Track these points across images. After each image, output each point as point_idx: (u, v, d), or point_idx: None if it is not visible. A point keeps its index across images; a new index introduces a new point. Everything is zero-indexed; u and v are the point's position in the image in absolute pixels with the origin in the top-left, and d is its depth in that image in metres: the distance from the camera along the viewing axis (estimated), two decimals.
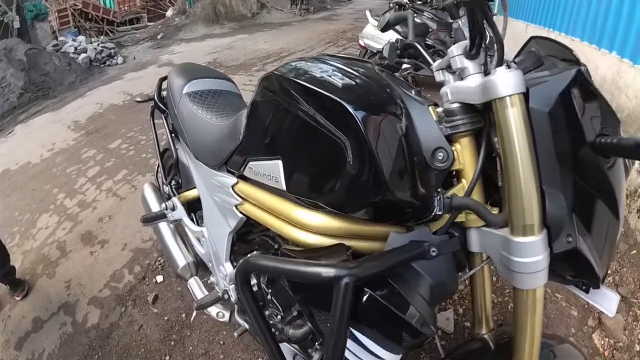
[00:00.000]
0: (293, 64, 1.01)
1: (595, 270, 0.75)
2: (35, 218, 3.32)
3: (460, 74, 0.79)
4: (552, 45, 0.86)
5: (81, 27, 11.89)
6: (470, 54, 0.75)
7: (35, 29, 10.29)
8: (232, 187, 1.29)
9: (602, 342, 1.85)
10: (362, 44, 5.40)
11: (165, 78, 1.87)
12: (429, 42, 4.79)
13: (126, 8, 14.34)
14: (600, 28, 3.23)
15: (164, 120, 1.89)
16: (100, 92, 6.71)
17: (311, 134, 0.88)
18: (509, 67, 0.67)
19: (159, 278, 2.49)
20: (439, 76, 0.84)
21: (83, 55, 8.46)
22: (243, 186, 1.25)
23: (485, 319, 1.00)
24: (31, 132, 5.39)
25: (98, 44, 9.10)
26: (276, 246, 1.33)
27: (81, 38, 9.44)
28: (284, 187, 1.01)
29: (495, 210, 0.80)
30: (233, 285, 1.52)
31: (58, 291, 2.52)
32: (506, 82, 0.66)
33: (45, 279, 2.64)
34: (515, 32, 5.93)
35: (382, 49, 1.11)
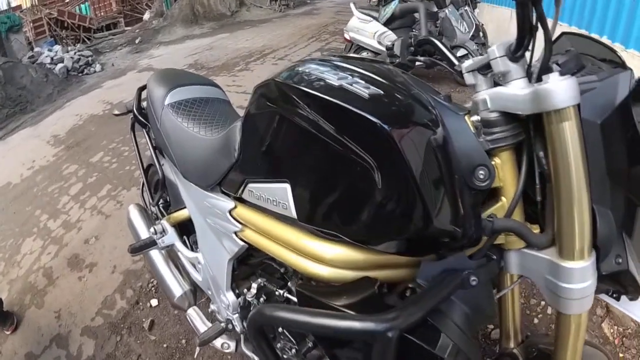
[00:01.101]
0: (299, 68, 0.86)
1: (639, 285, 0.71)
2: (19, 243, 3.15)
3: (500, 79, 0.68)
4: (586, 42, 0.79)
5: (57, 36, 11.73)
6: (515, 56, 0.64)
7: (10, 41, 10.10)
8: (230, 211, 1.15)
9: (612, 330, 1.84)
10: (347, 38, 5.29)
11: (144, 87, 1.69)
12: (415, 32, 4.71)
13: (102, 14, 14.24)
14: (589, 12, 3.15)
15: (146, 135, 1.71)
16: (79, 103, 6.53)
17: (328, 154, 0.75)
18: (561, 73, 0.59)
19: (154, 302, 2.34)
20: (470, 79, 0.73)
21: (60, 65, 8.31)
22: (242, 211, 1.11)
23: (514, 333, 0.96)
24: (10, 149, 5.21)
25: (75, 53, 8.94)
26: (282, 270, 1.22)
27: (57, 47, 9.29)
28: (294, 215, 0.88)
29: (535, 228, 0.72)
30: (237, 315, 1.38)
31: (49, 322, 2.37)
32: (562, 92, 0.58)
33: (34, 309, 2.49)
34: (499, 20, 5.85)
35: (393, 45, 1.00)
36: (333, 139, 0.73)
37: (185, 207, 1.54)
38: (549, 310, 1.95)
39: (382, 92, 0.72)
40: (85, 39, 12.20)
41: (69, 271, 2.74)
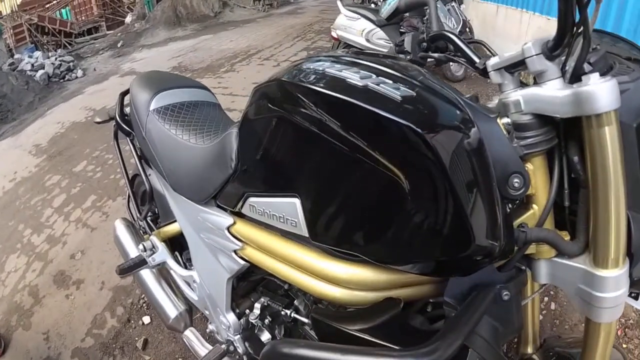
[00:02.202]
0: (308, 65, 0.76)
1: None
2: (3, 261, 3.00)
3: (534, 78, 0.65)
4: (610, 39, 0.75)
5: (38, 42, 11.56)
6: (553, 54, 0.60)
7: None
8: (228, 228, 1.05)
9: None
10: (335, 36, 5.22)
11: (127, 92, 1.56)
12: (403, 29, 4.64)
13: (83, 18, 14.09)
14: None
15: (130, 144, 1.59)
16: (60, 110, 6.34)
17: (349, 166, 0.68)
18: (602, 74, 0.56)
19: (146, 319, 2.22)
20: (497, 78, 0.68)
21: (41, 71, 8.09)
22: (242, 227, 1.01)
23: (533, 339, 0.94)
24: None
25: (56, 58, 8.74)
26: (286, 287, 1.15)
27: (38, 54, 9.08)
28: (305, 234, 0.80)
29: (564, 236, 0.70)
30: (239, 336, 1.28)
31: (37, 345, 2.24)
32: (604, 94, 0.55)
33: (22, 331, 2.36)
34: (485, 15, 5.81)
35: (403, 41, 0.92)
36: (355, 147, 0.64)
37: (175, 221, 1.43)
38: (552, 306, 1.94)
39: (414, 94, 0.63)
40: (67, 44, 11.99)
41: (56, 289, 2.60)
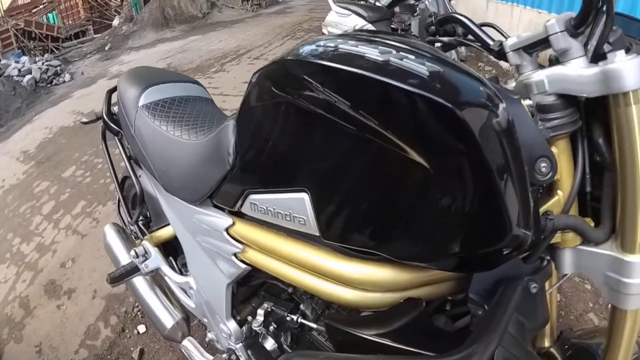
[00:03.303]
0: (317, 43, 0.68)
1: None
2: None
3: (557, 58, 0.62)
4: (624, 20, 0.73)
5: (25, 47, 11.43)
6: (577, 32, 0.58)
7: None
8: (226, 230, 0.97)
9: None
10: (326, 33, 5.12)
11: (114, 90, 1.48)
12: (394, 25, 4.58)
13: (70, 22, 14.02)
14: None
15: (118, 143, 1.50)
16: (48, 115, 6.22)
17: (366, 152, 0.61)
18: (626, 50, 0.55)
19: (141, 328, 2.13)
20: (515, 59, 0.67)
21: (28, 76, 7.94)
22: (243, 228, 0.93)
23: (550, 331, 0.94)
24: None
25: (43, 63, 8.57)
26: (289, 290, 1.08)
27: (25, 59, 8.92)
28: (315, 232, 0.73)
29: (589, 222, 0.67)
30: (241, 344, 1.20)
31: (30, 359, 2.16)
32: (631, 72, 0.54)
33: (14, 344, 2.27)
34: (475, 9, 5.77)
35: (410, 25, 0.88)
36: (374, 131, 0.57)
37: (169, 224, 1.34)
38: (557, 298, 1.88)
39: (440, 69, 0.56)
40: (54, 49, 11.89)
41: (47, 299, 2.50)
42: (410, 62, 0.56)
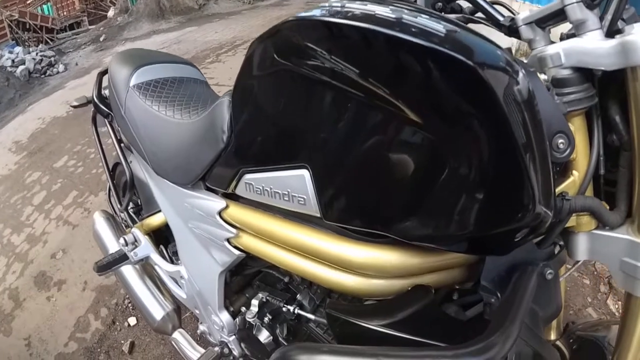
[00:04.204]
0: (322, 7, 0.61)
1: None
2: None
3: (563, 37, 0.63)
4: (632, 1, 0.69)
5: (19, 38, 11.33)
6: (593, 2, 0.56)
7: None
8: (219, 213, 0.91)
9: (616, 306, 1.85)
10: None
11: (106, 72, 1.40)
12: None
13: (65, 13, 13.86)
14: None
15: (108, 126, 1.43)
16: (41, 106, 6.15)
17: (375, 121, 0.56)
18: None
19: (132, 320, 2.08)
20: (528, 33, 0.65)
21: (21, 67, 7.87)
22: (237, 211, 0.88)
23: (557, 324, 0.94)
24: None
25: (37, 54, 8.47)
26: (286, 280, 1.02)
27: (18, 49, 8.83)
28: (316, 212, 0.67)
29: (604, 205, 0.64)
30: (234, 337, 1.15)
31: (19, 352, 2.11)
32: None
33: (2, 337, 2.22)
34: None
35: (416, 1, 0.86)
36: (385, 96, 0.52)
37: (160, 211, 1.28)
38: None
39: (457, 29, 0.52)
40: (48, 40, 11.75)
41: (37, 291, 2.45)
42: (425, 21, 0.51)
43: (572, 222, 0.64)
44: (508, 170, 0.49)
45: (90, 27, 13.19)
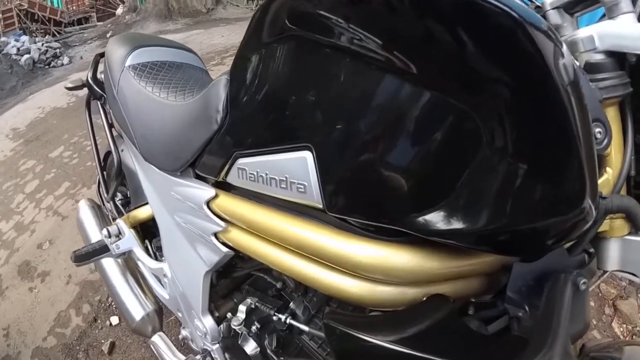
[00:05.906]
0: None
1: None
2: None
3: (606, 13, 0.58)
4: None
5: (27, 28, 11.33)
6: None
7: None
8: (207, 203, 0.82)
9: (621, 328, 1.83)
10: None
11: (103, 54, 1.34)
12: None
13: (74, 8, 13.92)
14: None
15: (101, 109, 1.36)
16: (43, 96, 6.10)
17: (394, 92, 0.47)
18: None
19: (114, 320, 1.99)
20: (555, 18, 0.63)
21: (26, 56, 7.84)
22: (227, 201, 0.79)
23: (573, 345, 0.84)
24: None
25: (42, 44, 8.45)
26: (278, 285, 0.93)
27: (25, 38, 8.80)
28: (317, 202, 0.57)
29: None
30: (218, 346, 1.05)
31: None
32: None
33: None
34: None
35: None
36: (408, 61, 0.44)
37: (147, 203, 1.20)
38: None
39: None
40: (55, 33, 11.80)
41: (20, 281, 2.37)
42: None
43: (604, 226, 0.58)
44: (559, 150, 0.42)
45: (98, 23, 13.28)
